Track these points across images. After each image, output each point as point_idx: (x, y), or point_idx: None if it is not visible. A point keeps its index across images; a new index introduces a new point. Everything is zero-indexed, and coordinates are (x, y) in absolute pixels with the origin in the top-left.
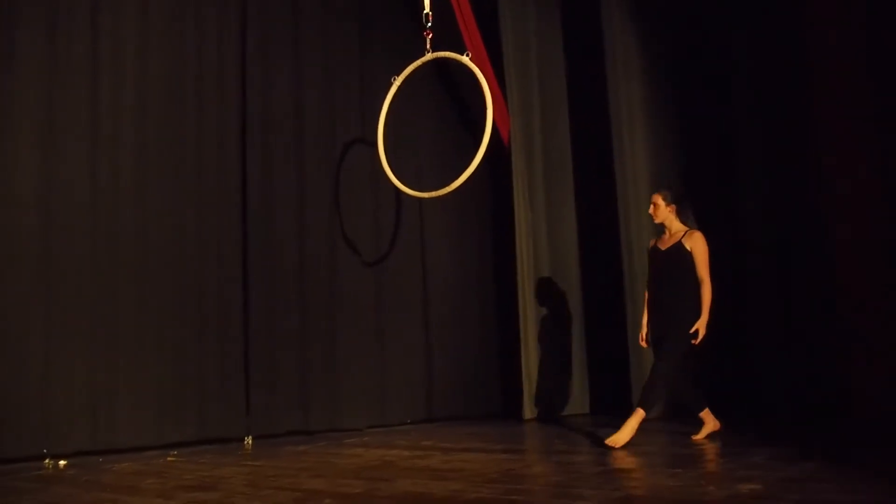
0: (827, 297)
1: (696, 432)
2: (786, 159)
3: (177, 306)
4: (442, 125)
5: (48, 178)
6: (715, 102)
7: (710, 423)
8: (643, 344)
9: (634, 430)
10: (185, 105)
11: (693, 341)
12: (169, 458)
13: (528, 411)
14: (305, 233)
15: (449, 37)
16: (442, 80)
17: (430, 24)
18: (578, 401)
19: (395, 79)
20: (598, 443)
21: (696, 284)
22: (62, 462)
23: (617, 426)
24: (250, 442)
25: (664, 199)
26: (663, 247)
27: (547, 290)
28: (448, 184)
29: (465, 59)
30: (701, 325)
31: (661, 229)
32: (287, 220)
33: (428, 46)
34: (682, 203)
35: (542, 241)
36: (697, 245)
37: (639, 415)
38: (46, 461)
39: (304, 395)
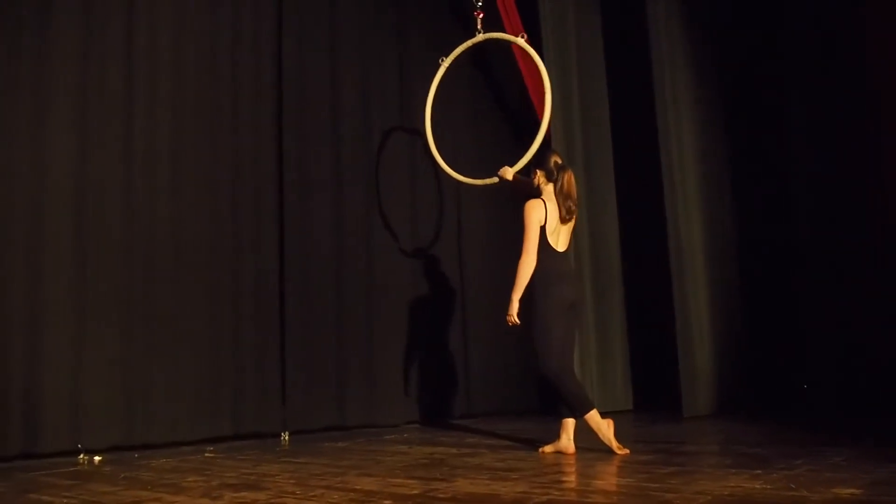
0: (879, 288)
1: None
2: (841, 148)
3: (212, 300)
4: (476, 111)
5: (81, 170)
6: (765, 86)
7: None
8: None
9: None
10: (220, 91)
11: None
12: (206, 454)
13: (566, 409)
14: (342, 225)
15: (487, 20)
16: (477, 65)
17: (480, 4)
18: (621, 397)
19: (442, 59)
20: (648, 440)
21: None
22: (97, 458)
23: (662, 421)
24: (287, 438)
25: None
26: None
27: (588, 283)
28: (487, 171)
29: (521, 41)
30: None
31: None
32: (323, 212)
33: (479, 27)
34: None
35: (582, 232)
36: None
37: (569, 423)
38: (81, 456)
39: (340, 389)
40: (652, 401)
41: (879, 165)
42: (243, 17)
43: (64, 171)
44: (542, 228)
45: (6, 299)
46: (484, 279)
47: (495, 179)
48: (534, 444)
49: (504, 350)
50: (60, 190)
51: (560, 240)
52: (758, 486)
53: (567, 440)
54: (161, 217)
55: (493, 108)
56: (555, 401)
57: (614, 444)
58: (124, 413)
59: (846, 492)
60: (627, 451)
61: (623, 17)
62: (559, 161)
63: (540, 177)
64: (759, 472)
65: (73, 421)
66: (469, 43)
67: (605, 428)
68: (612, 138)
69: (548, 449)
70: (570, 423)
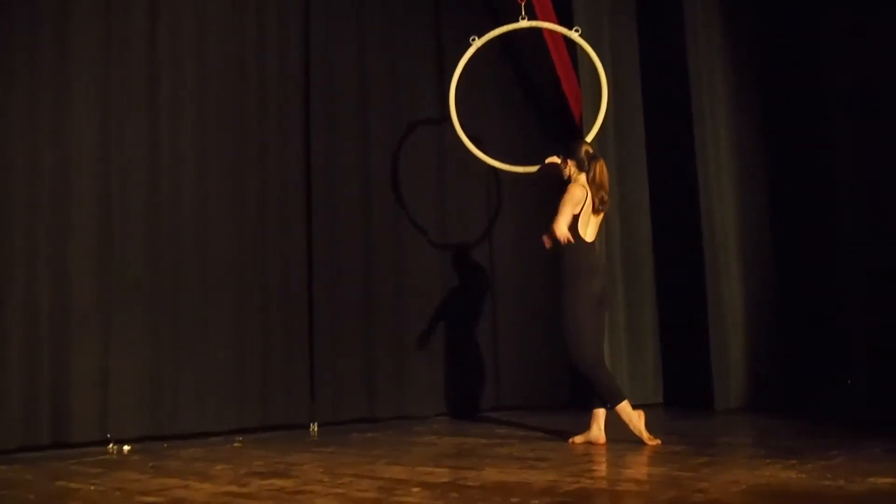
0: None
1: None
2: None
3: (240, 291)
4: (507, 101)
5: (106, 163)
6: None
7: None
8: None
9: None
10: (245, 84)
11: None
12: (235, 444)
13: (598, 400)
14: (370, 213)
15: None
16: (508, 55)
17: None
18: (652, 390)
19: (474, 39)
20: (679, 432)
21: (567, 245)
22: (126, 447)
23: (693, 415)
24: (316, 429)
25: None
26: None
27: (619, 275)
28: (516, 162)
29: (574, 35)
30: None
31: None
32: (352, 203)
33: (522, 13)
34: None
35: (614, 223)
36: None
37: (599, 414)
38: (110, 446)
39: (369, 381)
40: (683, 394)
41: None
42: (268, 8)
43: (89, 165)
44: (576, 217)
45: (34, 293)
46: (514, 272)
47: (532, 168)
48: (564, 435)
49: (534, 343)
50: (86, 183)
51: (589, 231)
52: (793, 476)
53: (598, 430)
54: (188, 209)
55: (524, 99)
56: (586, 393)
57: (645, 435)
58: (153, 404)
59: (884, 481)
60: (659, 441)
61: (657, 3)
62: (590, 151)
63: (571, 167)
64: (794, 462)
65: (102, 411)
66: (510, 27)
67: (636, 419)
68: (645, 128)
69: (578, 439)
70: (600, 413)
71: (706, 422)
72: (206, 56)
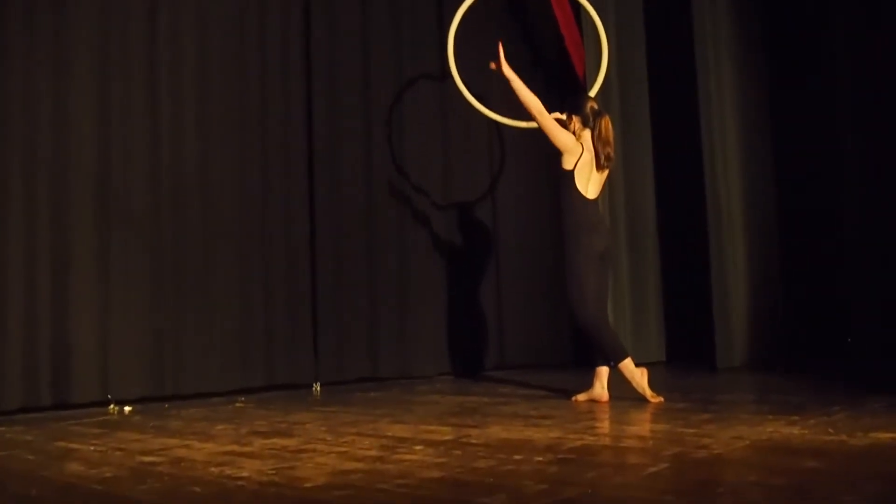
0: None
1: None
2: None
3: (242, 250)
4: (510, 59)
5: (106, 123)
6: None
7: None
8: None
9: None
10: (246, 43)
11: None
12: (237, 404)
13: (601, 358)
14: (373, 175)
15: None
16: (511, 12)
17: None
18: (655, 348)
19: None
20: (683, 390)
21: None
22: (127, 408)
23: (696, 372)
24: (318, 388)
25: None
26: None
27: (622, 233)
28: (520, 118)
29: None
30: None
31: None
32: (354, 162)
33: None
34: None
35: (617, 181)
36: None
37: (602, 372)
38: (111, 407)
39: (372, 341)
40: (685, 353)
41: None
42: None
43: (88, 120)
44: (572, 174)
45: (33, 251)
46: (518, 230)
47: (534, 123)
48: (567, 393)
49: (537, 301)
50: (84, 140)
51: (591, 188)
52: (796, 432)
53: (601, 388)
54: (189, 165)
55: (528, 56)
56: (589, 351)
57: (648, 392)
58: (154, 364)
59: (886, 436)
60: (661, 399)
61: None
62: (595, 107)
63: (576, 123)
64: (797, 418)
65: (103, 372)
66: None
67: (638, 376)
68: (649, 86)
69: (581, 397)
70: (603, 371)
71: (708, 380)
72: (206, 15)
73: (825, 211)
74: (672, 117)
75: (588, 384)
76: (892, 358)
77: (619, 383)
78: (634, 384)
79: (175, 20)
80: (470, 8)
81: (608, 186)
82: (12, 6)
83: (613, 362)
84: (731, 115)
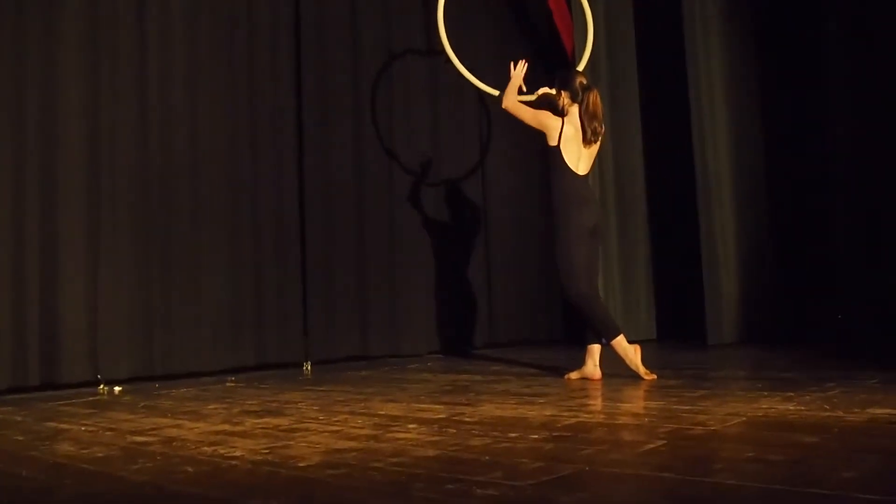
0: None
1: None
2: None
3: (232, 228)
4: (501, 38)
5: (95, 95)
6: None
7: (593, 363)
8: None
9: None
10: (236, 15)
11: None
12: (228, 384)
13: (593, 335)
14: (363, 153)
15: None
16: None
17: None
18: (645, 325)
19: None
20: (675, 367)
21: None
22: (117, 388)
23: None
24: (309, 367)
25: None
26: None
27: (611, 209)
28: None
29: None
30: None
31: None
32: (344, 139)
33: None
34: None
35: (606, 157)
36: None
37: (594, 349)
38: (101, 387)
39: (362, 319)
40: (676, 330)
41: None
42: None
43: (76, 97)
44: (558, 149)
45: (21, 229)
46: (507, 207)
47: (527, 98)
48: (560, 371)
49: (528, 278)
50: (73, 117)
51: (581, 164)
52: (791, 408)
53: (593, 366)
54: (178, 142)
55: (518, 31)
56: (580, 328)
57: (641, 369)
58: (144, 343)
59: (883, 412)
60: (654, 376)
61: None
62: (584, 81)
63: (564, 98)
64: (792, 394)
65: (92, 351)
66: None
67: (631, 353)
68: (638, 61)
69: (574, 375)
70: (595, 349)
71: (701, 356)
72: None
73: (815, 184)
74: (661, 92)
75: (580, 361)
76: (882, 333)
77: (610, 361)
78: (628, 361)
79: (164, 2)
80: None
81: (597, 161)
82: None
83: (605, 339)
84: (720, 90)
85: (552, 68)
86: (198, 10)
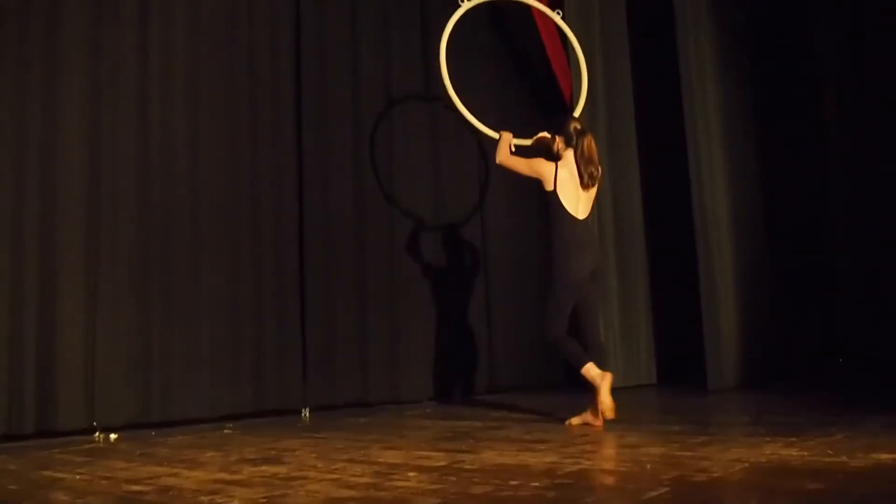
0: None
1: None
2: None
3: (231, 274)
4: (499, 78)
5: (95, 132)
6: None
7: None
8: None
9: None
10: (237, 56)
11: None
12: (225, 431)
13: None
14: (363, 194)
15: None
16: (500, 32)
17: None
18: (645, 370)
19: (463, 0)
20: (676, 412)
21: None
22: (113, 435)
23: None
24: (308, 414)
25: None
26: None
27: (611, 253)
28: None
29: (557, 18)
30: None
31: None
32: (344, 181)
33: None
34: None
35: (605, 201)
36: None
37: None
38: (97, 434)
39: (362, 365)
40: (676, 375)
41: None
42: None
43: (76, 133)
44: (555, 194)
45: (18, 272)
46: (507, 251)
47: (525, 142)
48: (560, 416)
49: (528, 324)
50: (73, 154)
51: (581, 207)
52: (795, 453)
53: (595, 412)
54: (179, 185)
55: (517, 74)
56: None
57: (607, 402)
58: (141, 389)
59: (888, 457)
60: (612, 416)
61: None
62: (578, 126)
63: (559, 143)
64: (794, 439)
65: (89, 398)
66: None
67: (599, 379)
68: (635, 104)
69: (575, 421)
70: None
71: (702, 401)
72: (197, 32)
73: (814, 226)
74: (659, 133)
75: (581, 406)
76: (883, 376)
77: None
78: (597, 390)
79: (165, 34)
80: (457, 25)
81: (596, 204)
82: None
83: (576, 368)
84: (717, 131)
85: (550, 113)
86: (200, 60)
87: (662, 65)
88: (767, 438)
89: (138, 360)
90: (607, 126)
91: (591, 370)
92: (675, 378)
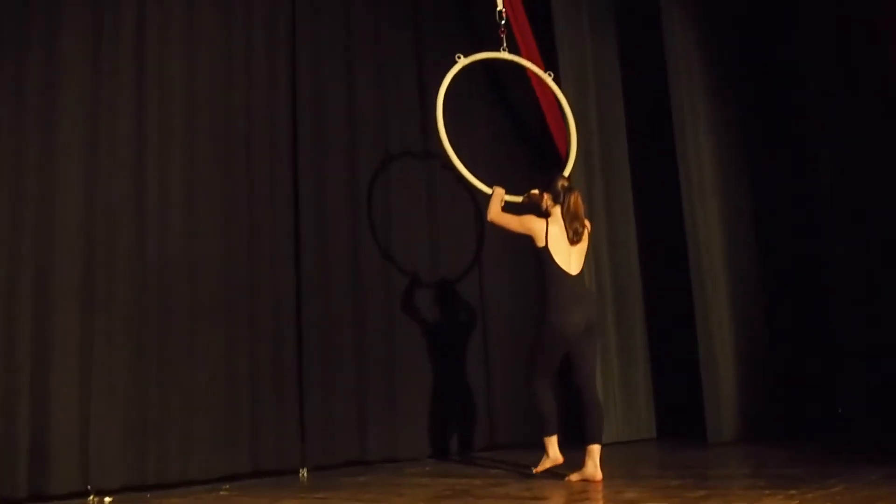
0: None
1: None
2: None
3: (227, 335)
4: (494, 134)
5: (90, 186)
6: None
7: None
8: None
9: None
10: (233, 101)
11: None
12: (222, 492)
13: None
14: (360, 251)
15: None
16: (495, 87)
17: (503, 22)
18: (645, 424)
19: (459, 57)
20: (676, 466)
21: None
22: (107, 499)
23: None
24: (306, 474)
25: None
26: None
27: (608, 308)
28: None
29: (548, 79)
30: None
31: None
32: (341, 235)
33: (504, 45)
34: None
35: (601, 255)
36: None
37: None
38: (91, 498)
39: (360, 423)
40: (676, 428)
41: None
42: (255, 25)
43: (71, 187)
44: (546, 250)
45: (13, 333)
46: (505, 308)
47: (517, 198)
48: (560, 473)
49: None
50: (68, 208)
51: (572, 262)
52: None
53: (593, 467)
54: (174, 244)
55: (512, 132)
56: (578, 428)
57: (539, 469)
58: (136, 452)
59: None
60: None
61: (639, 35)
62: (565, 184)
63: (547, 199)
64: (794, 492)
65: (83, 461)
66: (493, 55)
67: (552, 452)
68: (630, 159)
69: (574, 477)
70: (595, 449)
71: (701, 454)
72: (193, 85)
73: (811, 281)
74: (655, 191)
75: (580, 463)
76: (883, 427)
77: (610, 461)
78: (546, 460)
79: (162, 79)
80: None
81: (593, 259)
82: None
83: (540, 431)
84: (711, 185)
85: (546, 168)
86: (195, 104)
87: (656, 118)
88: (767, 492)
89: (133, 421)
90: (604, 180)
91: (550, 444)
92: (675, 431)
